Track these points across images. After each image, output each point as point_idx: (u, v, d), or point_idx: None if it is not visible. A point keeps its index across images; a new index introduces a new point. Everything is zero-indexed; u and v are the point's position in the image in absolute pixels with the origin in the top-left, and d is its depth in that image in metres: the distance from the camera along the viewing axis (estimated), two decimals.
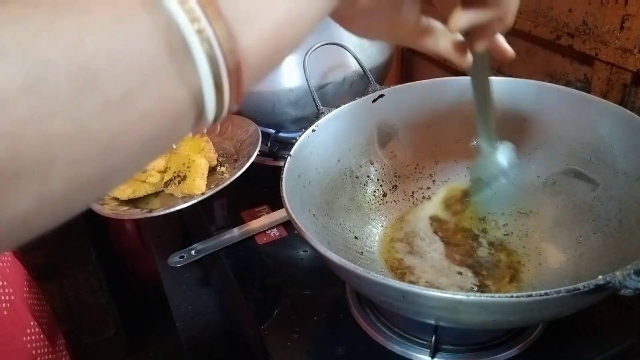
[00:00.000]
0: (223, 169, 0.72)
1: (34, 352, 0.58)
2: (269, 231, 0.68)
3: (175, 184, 0.68)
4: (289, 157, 0.54)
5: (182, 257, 0.64)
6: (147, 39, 0.20)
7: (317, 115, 0.59)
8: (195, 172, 0.67)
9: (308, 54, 0.62)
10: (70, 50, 0.19)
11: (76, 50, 0.19)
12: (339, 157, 0.61)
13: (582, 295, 0.36)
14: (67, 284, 1.74)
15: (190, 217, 0.80)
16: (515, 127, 0.61)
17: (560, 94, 0.58)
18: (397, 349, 0.51)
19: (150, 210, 0.66)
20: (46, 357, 0.61)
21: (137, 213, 0.66)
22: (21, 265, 0.62)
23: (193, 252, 0.64)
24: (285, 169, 0.52)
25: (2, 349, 0.53)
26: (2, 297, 0.55)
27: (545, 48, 0.84)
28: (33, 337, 0.58)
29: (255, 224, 0.69)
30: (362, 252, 0.57)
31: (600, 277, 0.36)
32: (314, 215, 0.54)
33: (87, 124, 0.19)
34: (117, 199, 0.70)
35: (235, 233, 0.68)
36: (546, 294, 0.35)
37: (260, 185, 0.78)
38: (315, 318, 0.56)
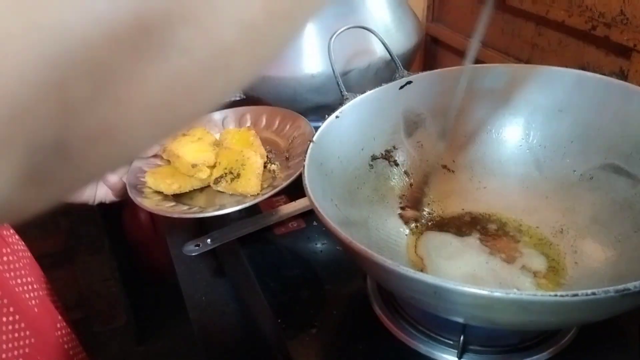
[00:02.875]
0: (274, 166, 0.69)
1: (65, 346, 0.57)
2: (287, 222, 0.66)
3: (227, 181, 0.65)
4: (311, 144, 0.51)
5: (198, 245, 0.62)
6: None
7: (342, 101, 0.57)
8: (251, 171, 0.64)
9: (333, 37, 0.60)
10: None
11: None
12: (363, 146, 0.58)
13: (632, 296, 0.33)
14: (79, 272, 1.73)
15: None
16: (550, 119, 0.58)
17: (600, 84, 0.55)
18: (422, 347, 0.48)
19: (201, 210, 0.62)
20: (77, 350, 0.59)
21: (185, 211, 0.62)
22: (37, 263, 0.60)
23: (209, 240, 0.62)
24: (307, 156, 0.50)
25: (42, 347, 0.52)
26: (32, 294, 0.53)
27: (578, 39, 0.80)
28: (63, 332, 0.57)
29: (273, 215, 0.67)
30: (386, 247, 0.54)
31: None
32: (336, 205, 0.52)
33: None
34: (160, 193, 0.65)
35: (252, 223, 0.65)
36: (593, 293, 0.32)
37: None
38: (334, 313, 0.53)
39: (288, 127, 0.73)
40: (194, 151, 0.67)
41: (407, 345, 0.49)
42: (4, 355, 0.48)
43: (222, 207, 0.61)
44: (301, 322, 0.52)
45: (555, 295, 0.33)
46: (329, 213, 0.45)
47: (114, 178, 0.64)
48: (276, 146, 0.73)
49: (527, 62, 0.86)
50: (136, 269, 1.98)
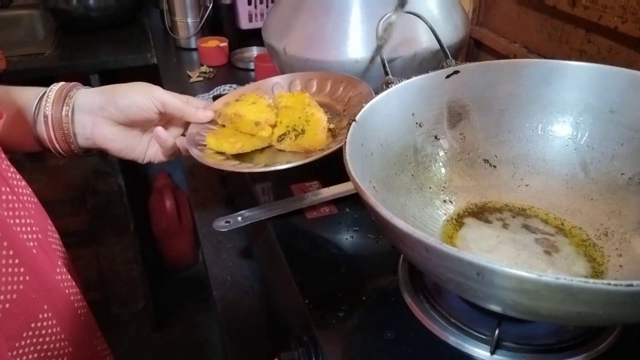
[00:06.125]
0: (332, 125, 0.67)
1: (67, 291, 0.57)
2: (319, 207, 0.65)
3: (291, 138, 0.63)
4: (353, 123, 0.50)
5: (228, 222, 0.61)
6: None
7: (386, 85, 0.56)
8: (316, 126, 0.62)
9: (382, 20, 0.59)
10: None
11: None
12: (404, 132, 0.57)
13: None
14: (102, 253, 1.75)
15: (239, 186, 0.77)
16: (600, 119, 0.56)
17: None
18: (452, 339, 0.47)
19: (267, 165, 0.61)
20: (78, 297, 0.60)
21: (251, 167, 0.61)
22: (44, 211, 0.60)
23: (240, 218, 0.61)
24: (349, 134, 0.49)
25: (39, 286, 0.52)
26: (31, 236, 0.53)
27: (630, 47, 0.78)
28: (63, 277, 0.57)
29: (305, 198, 0.66)
30: None
31: None
32: (374, 187, 0.51)
33: None
34: (222, 153, 0.65)
35: (284, 204, 0.64)
36: None
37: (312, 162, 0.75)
38: (363, 299, 0.52)
39: (342, 89, 0.70)
40: (254, 111, 0.66)
41: (437, 337, 0.47)
42: None
43: (289, 162, 0.60)
44: (329, 304, 0.51)
45: (609, 284, 0.31)
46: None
47: (164, 134, 0.64)
48: (332, 108, 0.70)
49: None
50: (158, 255, 1.99)
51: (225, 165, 0.62)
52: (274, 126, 0.66)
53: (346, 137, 0.48)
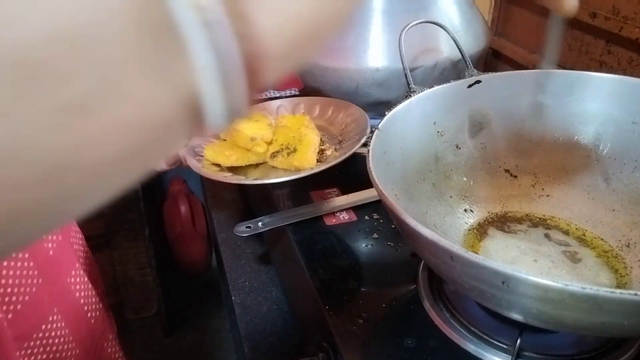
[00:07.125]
0: (328, 152, 0.70)
1: (77, 294, 0.58)
2: (338, 213, 0.65)
3: (283, 155, 0.66)
4: (376, 131, 0.51)
5: (249, 227, 0.62)
6: (115, 12, 0.15)
7: (409, 94, 0.56)
8: (307, 146, 0.65)
9: (405, 30, 0.59)
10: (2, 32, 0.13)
11: (10, 31, 0.13)
12: (426, 141, 0.57)
13: None
14: (117, 258, 1.76)
15: (259, 192, 0.78)
16: (623, 130, 0.56)
17: None
18: (472, 348, 0.47)
19: (257, 179, 0.64)
20: (91, 301, 0.61)
21: (242, 179, 0.65)
22: None
23: (260, 224, 0.62)
24: (372, 142, 0.49)
25: (51, 289, 0.53)
26: (49, 237, 0.55)
27: None
28: (77, 279, 0.59)
29: (325, 205, 0.66)
30: None
31: None
32: (395, 195, 0.51)
33: (27, 137, 0.14)
34: (217, 165, 0.67)
35: (304, 211, 0.65)
36: None
37: (331, 169, 0.75)
38: (383, 306, 0.52)
39: (341, 115, 0.73)
40: (253, 127, 0.69)
41: (458, 345, 0.47)
42: (9, 290, 0.49)
43: (279, 176, 0.63)
44: (348, 311, 0.51)
45: (636, 294, 0.31)
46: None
47: None
48: (329, 133, 0.73)
49: None
50: (171, 261, 1.99)
51: (218, 176, 0.65)
52: (269, 144, 0.69)
53: (369, 145, 0.49)
